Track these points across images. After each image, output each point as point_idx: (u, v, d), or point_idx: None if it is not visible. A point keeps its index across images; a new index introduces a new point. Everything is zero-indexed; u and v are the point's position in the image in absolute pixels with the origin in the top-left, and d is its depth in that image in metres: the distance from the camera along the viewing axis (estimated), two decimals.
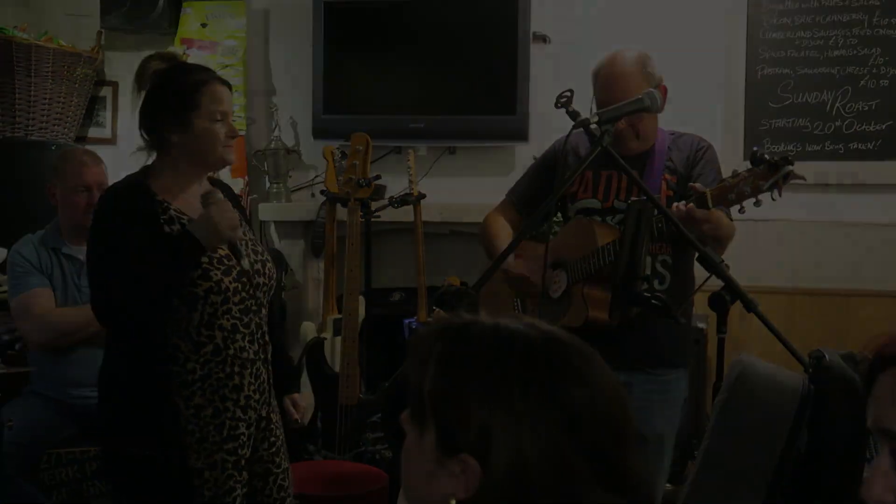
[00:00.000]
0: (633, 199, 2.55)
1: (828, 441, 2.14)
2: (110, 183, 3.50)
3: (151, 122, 2.64)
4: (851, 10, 3.86)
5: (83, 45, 4.65)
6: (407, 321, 3.00)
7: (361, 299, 3.89)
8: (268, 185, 4.35)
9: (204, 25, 4.39)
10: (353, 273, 3.89)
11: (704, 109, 3.56)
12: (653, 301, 2.69)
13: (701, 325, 2.40)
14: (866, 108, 3.87)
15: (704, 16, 4.01)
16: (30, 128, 4.39)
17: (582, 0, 4.25)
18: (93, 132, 4.93)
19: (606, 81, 2.93)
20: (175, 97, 2.62)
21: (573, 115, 2.60)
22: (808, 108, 3.96)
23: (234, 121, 2.80)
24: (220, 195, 2.64)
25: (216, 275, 2.63)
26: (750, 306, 2.58)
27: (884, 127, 3.86)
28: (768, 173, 2.78)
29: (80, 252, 3.71)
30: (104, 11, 4.56)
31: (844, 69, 3.87)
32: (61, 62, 4.51)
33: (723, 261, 2.53)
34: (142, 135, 2.69)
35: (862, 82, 3.86)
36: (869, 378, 1.13)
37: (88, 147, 4.62)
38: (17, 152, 4.22)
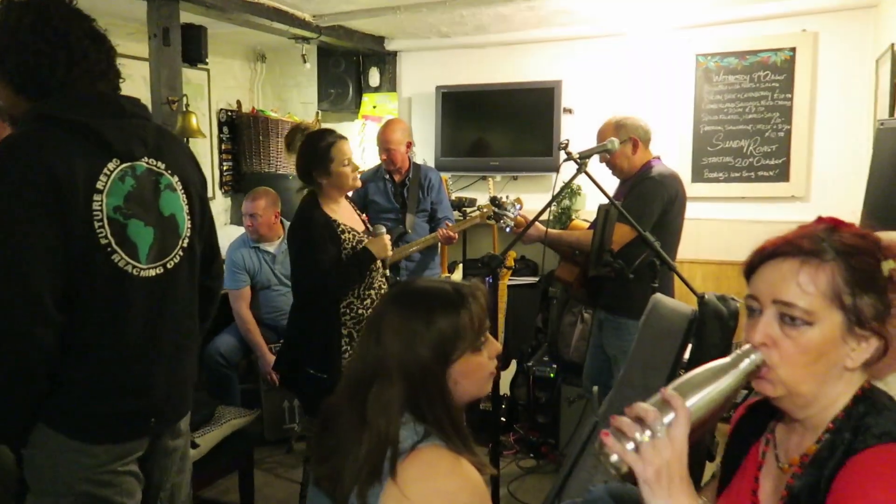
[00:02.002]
0: (601, 204, 2.37)
1: (703, 344, 2.18)
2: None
3: (306, 171, 2.59)
4: (760, 89, 4.05)
5: (309, 119, 5.02)
6: (487, 278, 2.90)
7: (460, 265, 3.66)
8: None
9: (374, 107, 4.70)
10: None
11: (671, 150, 3.95)
12: (614, 265, 2.40)
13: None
14: (769, 150, 4.08)
15: (671, 95, 4.19)
16: (277, 166, 4.96)
17: (592, 89, 4.38)
18: None
19: (598, 130, 2.95)
20: (318, 155, 2.55)
21: (567, 153, 2.65)
22: (731, 150, 4.11)
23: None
24: (384, 230, 2.64)
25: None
26: (670, 267, 2.35)
27: (780, 162, 4.06)
28: (495, 208, 2.99)
29: (271, 247, 3.81)
30: (320, 100, 4.99)
31: (755, 126, 4.06)
32: (296, 129, 4.19)
33: (656, 239, 2.31)
34: (300, 177, 2.63)
35: (766, 134, 4.06)
36: (750, 271, 1.05)
37: None
38: (271, 181, 4.33)
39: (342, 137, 2.63)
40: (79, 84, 1.46)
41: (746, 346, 1.00)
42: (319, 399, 2.61)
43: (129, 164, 1.51)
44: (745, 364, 0.97)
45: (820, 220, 1.04)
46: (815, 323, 0.96)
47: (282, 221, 3.84)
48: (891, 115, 3.00)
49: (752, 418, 1.16)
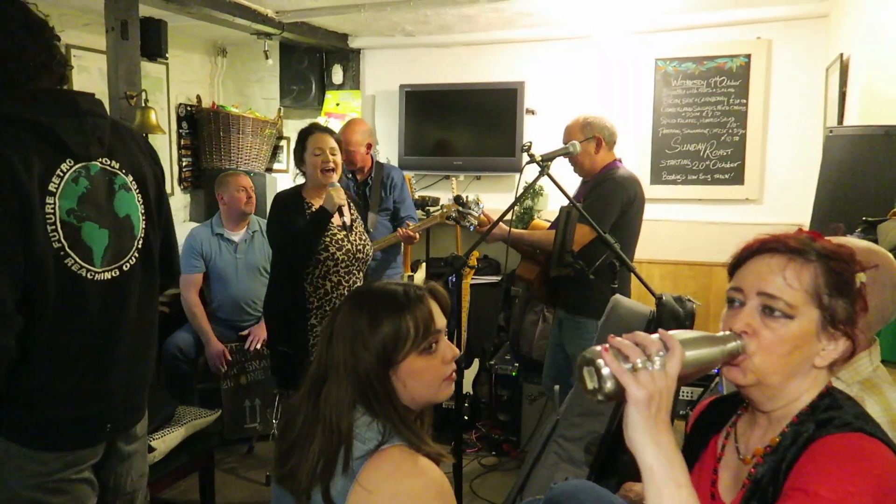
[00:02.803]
0: (563, 205, 2.38)
1: None
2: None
3: (296, 160, 2.76)
4: (716, 94, 4.16)
5: (270, 115, 5.05)
6: (450, 277, 2.90)
7: (423, 264, 3.66)
8: None
9: (337, 105, 4.71)
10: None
11: (631, 153, 3.98)
12: (575, 265, 2.41)
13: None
14: (724, 154, 4.20)
15: (631, 98, 4.26)
16: (239, 163, 4.74)
17: (554, 91, 4.43)
18: (276, 166, 5.18)
19: (566, 127, 3.00)
20: (298, 142, 2.71)
21: (530, 156, 2.68)
22: (689, 153, 4.23)
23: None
24: (338, 185, 2.69)
25: (332, 249, 2.66)
26: (629, 268, 2.36)
27: (735, 165, 4.17)
28: (459, 207, 3.03)
29: (236, 235, 3.78)
30: (282, 96, 4.95)
31: (712, 130, 4.17)
32: (257, 125, 4.88)
33: (616, 241, 2.33)
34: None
35: (722, 138, 4.18)
36: (736, 265, 1.10)
37: (274, 175, 5.00)
38: None
39: (325, 130, 2.67)
40: (16, 79, 1.39)
41: (730, 332, 1.05)
42: (293, 375, 2.49)
43: (82, 164, 1.46)
44: (731, 345, 1.03)
45: (800, 231, 1.11)
46: (795, 317, 1.03)
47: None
48: (839, 122, 3.13)
49: (712, 413, 1.20)
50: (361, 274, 2.80)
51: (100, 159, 1.51)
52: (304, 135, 2.68)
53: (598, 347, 0.93)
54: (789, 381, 1.04)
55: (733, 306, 1.09)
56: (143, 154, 1.65)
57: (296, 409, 1.21)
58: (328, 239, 2.64)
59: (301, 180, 2.81)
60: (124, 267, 1.54)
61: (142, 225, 1.60)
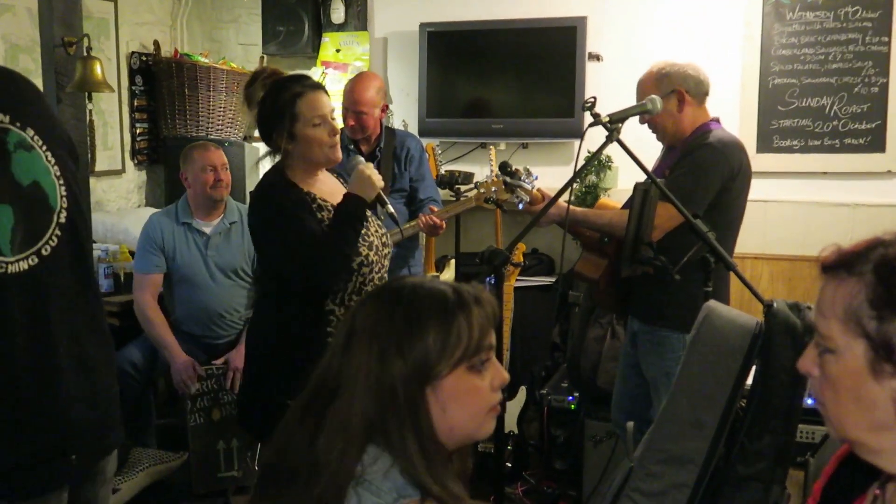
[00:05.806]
0: (638, 182, 2.36)
1: (771, 366, 2.11)
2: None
3: (266, 135, 2.51)
4: (848, 30, 4.07)
5: (249, 66, 4.95)
6: (487, 279, 2.88)
7: (452, 262, 3.65)
8: None
9: (338, 51, 5.06)
10: None
11: (730, 111, 3.93)
12: (655, 262, 2.64)
13: None
14: (859, 110, 4.09)
15: (726, 38, 4.20)
16: (209, 129, 4.85)
17: (626, 29, 4.40)
18: (257, 133, 4.54)
19: (639, 82, 2.99)
20: (278, 113, 2.44)
21: (594, 116, 2.60)
22: (810, 110, 4.16)
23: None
24: (362, 160, 2.58)
25: (364, 250, 2.52)
26: (728, 265, 2.37)
27: (873, 126, 4.07)
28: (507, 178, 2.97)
29: (207, 226, 3.76)
30: (265, 41, 4.92)
31: (841, 79, 4.10)
32: (232, 80, 4.84)
33: (710, 230, 2.32)
34: (265, 142, 2.55)
35: (856, 89, 4.09)
36: None
37: (254, 145, 4.78)
38: None
39: (316, 87, 2.55)
40: None
41: None
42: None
43: None
44: None
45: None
46: (836, 351, 1.02)
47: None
48: None
49: (856, 466, 1.17)
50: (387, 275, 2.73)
51: None
52: (292, 97, 2.47)
53: None
54: (883, 435, 1.01)
55: None
56: (44, 107, 1.65)
57: (287, 434, 1.21)
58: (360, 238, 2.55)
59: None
60: (43, 251, 1.55)
61: (60, 192, 1.60)
